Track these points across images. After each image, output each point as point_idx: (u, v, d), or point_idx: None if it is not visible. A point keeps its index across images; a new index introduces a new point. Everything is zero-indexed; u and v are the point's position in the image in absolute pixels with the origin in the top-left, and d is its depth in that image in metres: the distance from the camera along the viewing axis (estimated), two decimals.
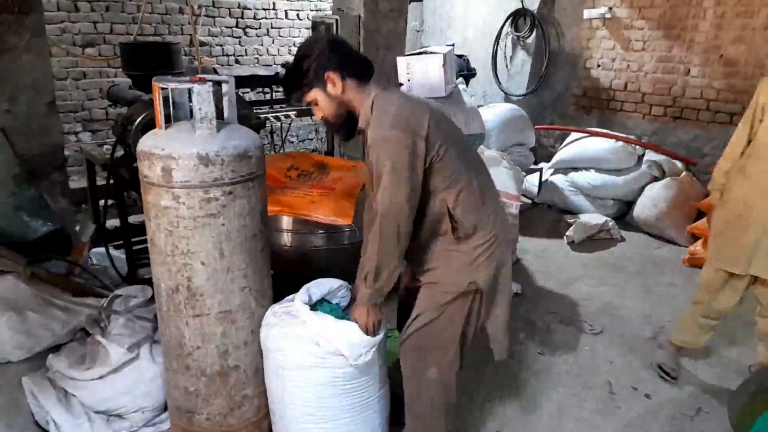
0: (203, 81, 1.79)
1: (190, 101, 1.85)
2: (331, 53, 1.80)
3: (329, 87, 1.81)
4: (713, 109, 4.95)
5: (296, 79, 1.83)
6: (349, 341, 1.83)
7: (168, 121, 1.91)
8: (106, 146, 3.49)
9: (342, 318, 1.95)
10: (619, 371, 2.88)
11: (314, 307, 2.00)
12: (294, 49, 6.61)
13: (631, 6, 5.41)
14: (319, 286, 2.07)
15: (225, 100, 1.95)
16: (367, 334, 1.86)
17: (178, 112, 2.00)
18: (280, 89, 5.05)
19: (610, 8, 5.54)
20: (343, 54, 1.84)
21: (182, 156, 1.72)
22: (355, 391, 1.95)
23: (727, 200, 2.58)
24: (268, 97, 5.37)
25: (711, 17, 4.84)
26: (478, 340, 2.04)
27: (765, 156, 2.42)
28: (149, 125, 2.36)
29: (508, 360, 2.88)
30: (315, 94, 1.83)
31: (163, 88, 1.82)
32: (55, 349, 2.38)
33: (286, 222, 2.74)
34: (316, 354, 1.87)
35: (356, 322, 1.88)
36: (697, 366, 2.93)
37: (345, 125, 1.90)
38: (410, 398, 2.06)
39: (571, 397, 2.67)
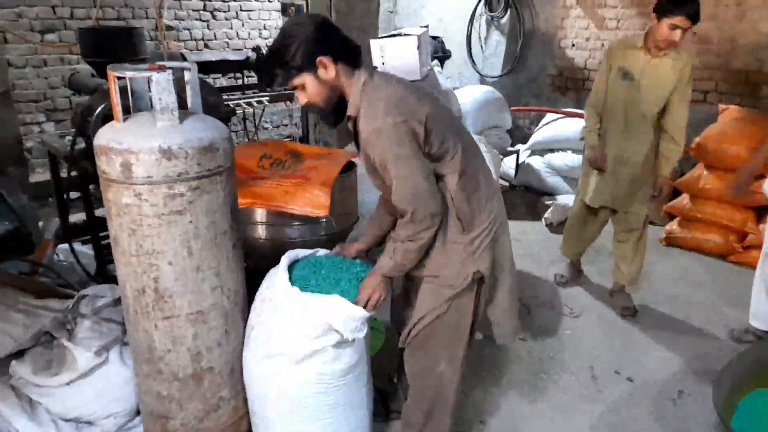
0: (163, 68, 1.67)
1: (150, 90, 1.73)
2: (322, 36, 1.70)
3: (321, 71, 1.70)
4: None
5: (281, 63, 1.71)
6: (341, 314, 1.75)
7: (127, 112, 1.79)
8: (68, 137, 3.33)
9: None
10: (600, 354, 2.87)
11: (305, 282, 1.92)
12: (265, 32, 6.45)
13: None
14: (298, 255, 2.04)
15: (188, 88, 1.84)
16: (365, 308, 1.79)
17: (138, 103, 1.89)
18: (252, 74, 4.90)
19: None
20: (334, 37, 1.74)
21: (143, 150, 1.61)
22: (339, 389, 1.89)
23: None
24: (239, 82, 5.22)
25: None
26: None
27: (612, 112, 2.98)
28: (110, 116, 2.23)
29: (490, 346, 2.87)
30: (304, 78, 1.72)
31: (119, 77, 1.70)
32: (18, 355, 2.27)
33: (260, 214, 2.64)
34: (309, 336, 1.79)
35: (364, 289, 1.83)
36: None
37: (335, 112, 1.80)
38: (419, 396, 1.99)
39: (554, 383, 2.66)
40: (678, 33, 2.66)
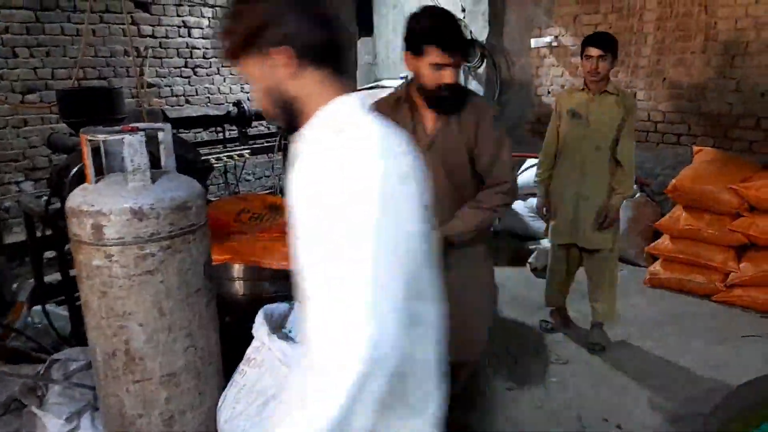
0: (135, 130, 1.68)
1: (123, 152, 1.73)
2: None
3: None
4: (661, 131, 5.07)
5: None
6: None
7: (100, 173, 1.79)
8: (45, 197, 3.31)
9: None
10: (588, 402, 2.81)
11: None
12: (246, 86, 6.55)
13: (575, 34, 5.56)
14: (275, 310, 2.00)
15: (161, 148, 1.85)
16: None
17: (112, 163, 1.88)
18: (234, 128, 4.96)
19: (556, 37, 5.68)
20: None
21: (113, 211, 1.61)
22: None
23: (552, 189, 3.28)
24: (221, 136, 5.27)
25: (652, 42, 5.00)
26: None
27: (568, 151, 3.16)
28: (84, 176, 2.23)
29: (476, 397, 2.81)
30: None
31: (91, 140, 1.71)
32: None
33: (237, 270, 2.61)
34: (283, 382, 1.73)
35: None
36: None
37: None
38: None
39: None
40: (593, 61, 2.98)
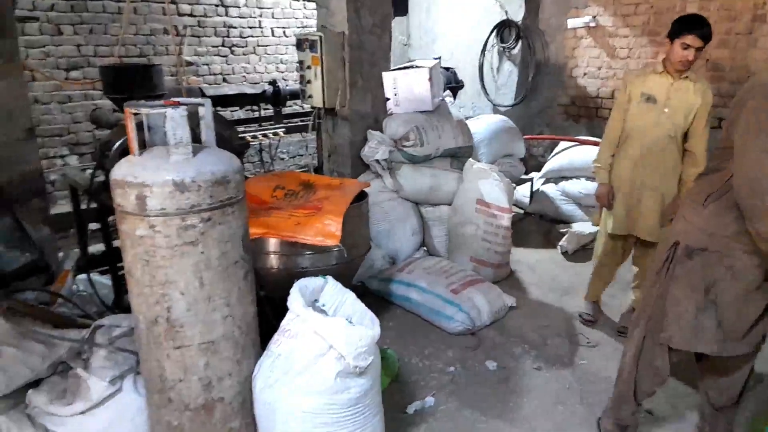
0: (177, 105, 1.74)
1: (165, 126, 1.79)
2: None
3: None
4: None
5: None
6: (345, 338, 1.77)
7: (143, 146, 1.85)
8: (89, 171, 3.43)
9: None
10: None
11: None
12: (281, 66, 6.61)
13: (614, 14, 5.42)
14: (309, 284, 2.05)
15: (202, 123, 1.90)
16: None
17: (154, 137, 1.94)
18: (269, 107, 5.02)
19: (594, 17, 5.55)
20: None
21: (156, 183, 1.67)
22: (348, 420, 1.89)
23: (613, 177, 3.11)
24: (256, 114, 5.35)
25: None
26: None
27: (635, 136, 2.98)
28: (128, 150, 2.30)
29: (505, 376, 2.84)
30: None
31: (135, 114, 1.77)
32: (35, 384, 2.30)
33: (272, 244, 2.68)
34: (316, 353, 1.82)
35: None
36: None
37: None
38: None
39: (571, 415, 2.60)
40: (691, 52, 2.76)
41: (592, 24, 5.56)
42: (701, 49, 2.78)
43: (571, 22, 5.69)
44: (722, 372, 2.22)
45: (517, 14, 6.06)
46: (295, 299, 1.93)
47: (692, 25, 2.75)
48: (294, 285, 2.01)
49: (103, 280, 3.20)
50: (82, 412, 2.13)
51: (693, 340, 2.05)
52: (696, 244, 2.01)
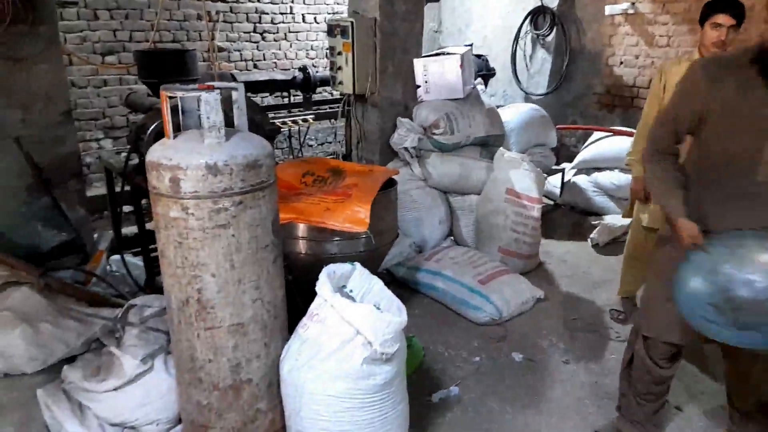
0: (211, 89, 1.75)
1: (199, 109, 1.81)
2: None
3: None
4: None
5: None
6: (372, 324, 1.78)
7: (178, 129, 1.87)
8: (123, 154, 3.50)
9: None
10: None
11: None
12: (312, 53, 6.60)
13: (654, 1, 5.26)
14: (337, 269, 2.06)
15: (235, 107, 1.91)
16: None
17: (188, 121, 1.97)
18: (299, 93, 5.03)
19: (633, 3, 5.40)
20: None
21: (190, 166, 1.68)
22: (374, 405, 1.89)
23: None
24: (286, 101, 5.36)
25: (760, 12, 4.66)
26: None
27: None
28: (162, 134, 2.33)
29: (532, 368, 2.81)
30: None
31: (171, 97, 1.79)
32: (71, 360, 2.37)
33: (301, 229, 2.69)
34: (343, 338, 1.84)
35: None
36: None
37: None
38: None
39: (598, 409, 2.57)
40: (723, 31, 2.62)
41: (631, 11, 5.40)
42: (735, 28, 2.62)
43: (609, 9, 5.54)
44: (742, 375, 2.17)
45: (553, 0, 5.92)
46: (323, 284, 1.94)
47: (721, 3, 2.62)
48: (323, 270, 2.01)
49: (136, 261, 3.27)
50: (115, 389, 2.19)
51: (662, 329, 2.06)
52: (665, 232, 2.02)
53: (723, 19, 2.61)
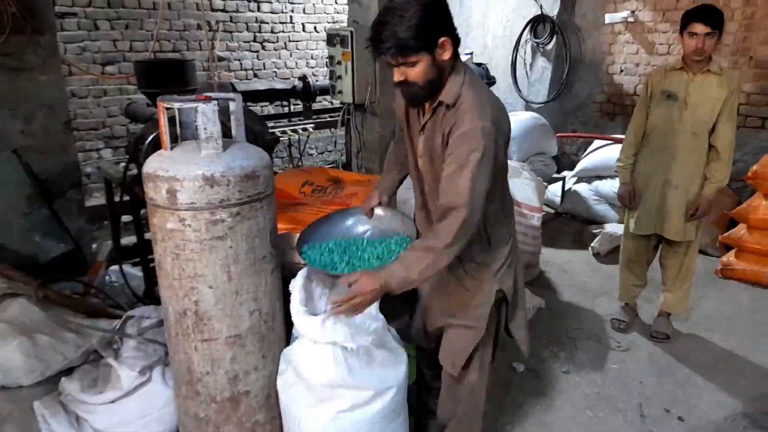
0: (208, 100, 1.74)
1: (196, 120, 1.80)
2: (444, 15, 1.64)
3: (439, 52, 1.63)
4: (743, 114, 4.76)
5: (415, 36, 1.57)
6: (345, 333, 1.75)
7: (175, 140, 1.86)
8: (122, 164, 3.49)
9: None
10: (649, 391, 2.74)
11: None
12: (311, 62, 6.62)
13: (654, 9, 5.27)
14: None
15: (233, 118, 1.90)
16: (335, 311, 1.66)
17: (185, 132, 1.96)
18: (299, 102, 5.04)
19: (633, 12, 5.41)
20: (450, 18, 1.66)
21: (187, 177, 1.67)
22: (375, 423, 1.87)
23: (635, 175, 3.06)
24: (286, 110, 5.37)
25: (740, 18, 4.68)
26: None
27: (658, 135, 2.92)
28: (160, 144, 2.33)
29: (533, 379, 2.79)
30: (421, 58, 1.61)
31: (168, 108, 1.78)
32: (68, 372, 2.35)
33: None
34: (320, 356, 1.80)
35: (354, 291, 1.62)
36: None
37: (429, 95, 1.70)
38: (453, 404, 2.09)
39: (600, 421, 2.55)
40: (700, 39, 2.67)
41: (631, 19, 5.41)
42: (711, 36, 2.66)
43: (609, 17, 5.55)
44: None
45: (553, 9, 5.94)
46: (293, 301, 1.89)
47: (696, 13, 2.68)
48: (291, 283, 1.97)
49: (135, 272, 3.25)
50: (112, 401, 2.16)
51: None
52: None
53: (699, 28, 2.66)
